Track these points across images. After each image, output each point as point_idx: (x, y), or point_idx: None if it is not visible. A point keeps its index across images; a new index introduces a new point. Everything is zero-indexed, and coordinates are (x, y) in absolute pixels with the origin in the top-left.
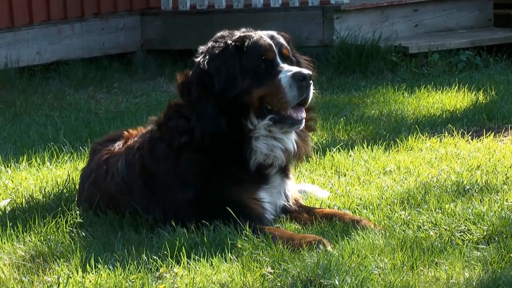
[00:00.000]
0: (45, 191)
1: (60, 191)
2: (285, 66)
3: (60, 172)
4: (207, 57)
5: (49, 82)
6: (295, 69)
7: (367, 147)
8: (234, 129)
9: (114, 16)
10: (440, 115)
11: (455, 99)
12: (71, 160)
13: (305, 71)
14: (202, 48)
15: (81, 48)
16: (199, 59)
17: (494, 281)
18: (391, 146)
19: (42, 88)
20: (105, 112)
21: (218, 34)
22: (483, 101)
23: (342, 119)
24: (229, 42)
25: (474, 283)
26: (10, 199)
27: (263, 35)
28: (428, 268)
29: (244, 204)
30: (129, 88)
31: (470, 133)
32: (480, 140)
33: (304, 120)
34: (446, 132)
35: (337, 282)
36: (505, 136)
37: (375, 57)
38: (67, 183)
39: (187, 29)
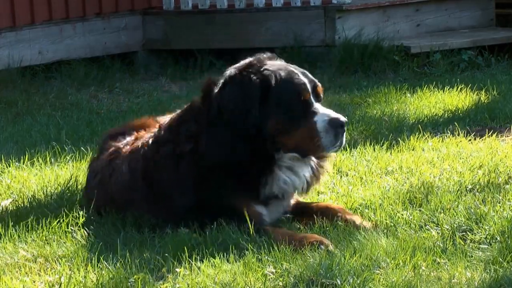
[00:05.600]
0: (47, 191)
1: (62, 191)
2: (320, 108)
3: (62, 172)
4: (227, 89)
5: (51, 82)
6: (332, 113)
7: (369, 147)
8: (257, 159)
9: (115, 16)
10: (442, 114)
11: (457, 98)
12: (73, 160)
13: (342, 118)
14: (228, 73)
15: (83, 48)
16: (220, 86)
17: (496, 281)
18: (393, 145)
19: (44, 88)
20: (106, 111)
21: (247, 61)
22: (485, 101)
23: None
24: (254, 78)
25: (476, 283)
26: (12, 199)
27: (296, 71)
28: (430, 268)
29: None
30: (130, 88)
31: (472, 133)
32: (482, 139)
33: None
34: (448, 132)
35: (339, 282)
36: (507, 136)
37: (377, 56)
38: (69, 183)
39: (189, 29)
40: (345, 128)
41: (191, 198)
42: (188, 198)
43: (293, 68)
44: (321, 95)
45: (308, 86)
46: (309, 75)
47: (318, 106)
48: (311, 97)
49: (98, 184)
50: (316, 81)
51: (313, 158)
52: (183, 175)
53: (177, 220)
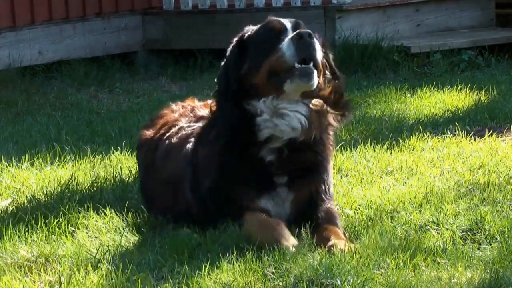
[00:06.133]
0: (47, 191)
1: (62, 191)
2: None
3: (62, 171)
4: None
5: (51, 82)
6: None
7: (370, 147)
8: (245, 117)
9: (115, 16)
10: (442, 114)
11: (457, 98)
12: (73, 160)
13: (303, 30)
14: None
15: (83, 48)
16: None
17: (496, 281)
18: (393, 146)
19: (44, 88)
20: (107, 111)
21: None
22: (485, 101)
23: None
24: (235, 39)
25: (476, 283)
26: (12, 199)
27: (278, 19)
28: (430, 268)
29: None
30: (130, 88)
31: (472, 133)
32: (482, 139)
33: (315, 75)
34: (448, 132)
35: (339, 282)
36: (507, 136)
37: (377, 56)
38: (69, 183)
39: (189, 29)
40: (311, 40)
41: (210, 180)
42: (208, 180)
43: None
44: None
45: (287, 24)
46: (300, 22)
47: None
48: (287, 30)
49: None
50: (301, 23)
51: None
52: (208, 158)
53: (199, 201)
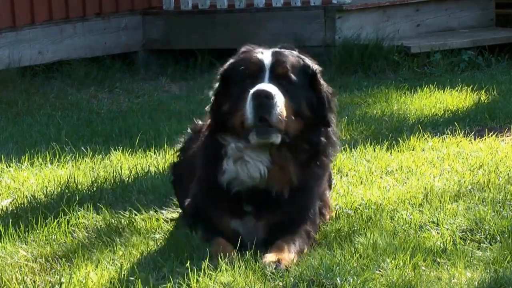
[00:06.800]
0: (47, 191)
1: (62, 191)
2: (262, 84)
3: (62, 172)
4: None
5: (51, 82)
6: (259, 86)
7: (369, 147)
8: (217, 153)
9: (115, 16)
10: (442, 114)
11: (457, 98)
12: (73, 160)
13: (263, 87)
14: None
15: (83, 48)
16: None
17: (496, 281)
18: (393, 146)
19: (44, 88)
20: (107, 112)
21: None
22: (485, 101)
23: (344, 119)
24: (220, 69)
25: (476, 283)
26: (12, 199)
27: (259, 51)
28: (430, 268)
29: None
30: (131, 88)
31: (472, 133)
32: (482, 139)
33: (272, 133)
34: (448, 132)
35: (339, 282)
36: (507, 136)
37: (377, 56)
38: (69, 183)
39: (189, 29)
40: (266, 100)
41: (191, 199)
42: (190, 200)
43: (262, 49)
44: (289, 75)
45: (265, 62)
46: (283, 55)
47: (263, 83)
48: (265, 74)
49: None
50: (288, 62)
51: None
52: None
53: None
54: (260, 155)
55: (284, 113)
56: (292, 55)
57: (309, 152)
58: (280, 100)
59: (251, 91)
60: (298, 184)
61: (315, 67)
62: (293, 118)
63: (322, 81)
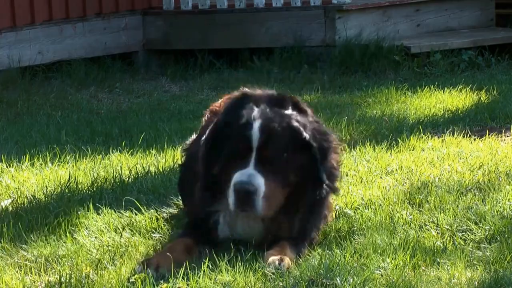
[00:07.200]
0: (47, 191)
1: (62, 191)
2: (246, 171)
3: (62, 172)
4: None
5: (51, 82)
6: (240, 176)
7: (369, 147)
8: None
9: (116, 16)
10: (442, 114)
11: (457, 99)
12: (73, 160)
13: (246, 181)
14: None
15: (83, 48)
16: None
17: (496, 281)
18: (393, 146)
19: (44, 88)
20: (107, 112)
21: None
22: (485, 101)
23: (344, 119)
24: (206, 137)
25: (476, 283)
26: (12, 199)
27: (252, 122)
28: (430, 268)
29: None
30: (131, 88)
31: (472, 133)
32: (482, 139)
33: (257, 212)
34: (448, 132)
35: (339, 282)
36: (507, 136)
37: (378, 57)
38: (69, 183)
39: (189, 29)
40: (251, 197)
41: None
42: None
43: (263, 116)
44: (272, 156)
45: (253, 143)
46: (273, 131)
47: (246, 169)
48: (250, 155)
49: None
50: (274, 141)
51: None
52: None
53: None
54: (252, 222)
55: (269, 202)
56: (283, 125)
57: (304, 208)
58: (264, 190)
59: (234, 180)
60: (297, 230)
61: (309, 133)
62: (280, 193)
63: (315, 144)
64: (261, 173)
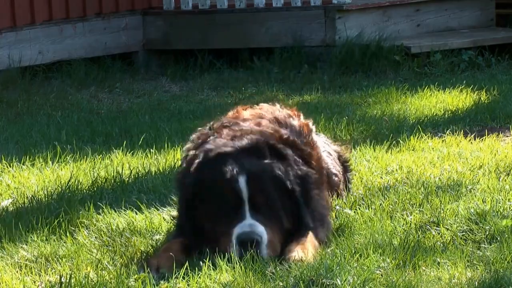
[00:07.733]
0: (47, 191)
1: (62, 191)
2: (245, 222)
3: (63, 172)
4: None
5: (51, 82)
6: (242, 228)
7: (369, 147)
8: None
9: (116, 16)
10: (442, 114)
11: (457, 99)
12: (73, 160)
13: (249, 231)
14: (187, 147)
15: (83, 48)
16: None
17: (496, 281)
18: (394, 146)
19: (44, 88)
20: (107, 112)
21: (196, 140)
22: (486, 101)
23: (344, 119)
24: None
25: (476, 283)
26: (12, 199)
27: (236, 176)
28: (430, 268)
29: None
30: (131, 88)
31: (472, 133)
32: (482, 139)
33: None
34: (448, 132)
35: (339, 282)
36: (507, 136)
37: (378, 57)
38: (69, 183)
39: (189, 29)
40: (261, 247)
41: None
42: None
43: (230, 164)
44: (263, 202)
45: (244, 194)
46: (259, 177)
47: (245, 220)
48: (243, 206)
49: None
50: (263, 187)
51: None
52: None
53: None
54: None
55: (272, 247)
56: (266, 174)
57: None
58: (267, 237)
59: (236, 233)
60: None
61: (291, 179)
62: (280, 236)
63: (297, 187)
64: (259, 222)
